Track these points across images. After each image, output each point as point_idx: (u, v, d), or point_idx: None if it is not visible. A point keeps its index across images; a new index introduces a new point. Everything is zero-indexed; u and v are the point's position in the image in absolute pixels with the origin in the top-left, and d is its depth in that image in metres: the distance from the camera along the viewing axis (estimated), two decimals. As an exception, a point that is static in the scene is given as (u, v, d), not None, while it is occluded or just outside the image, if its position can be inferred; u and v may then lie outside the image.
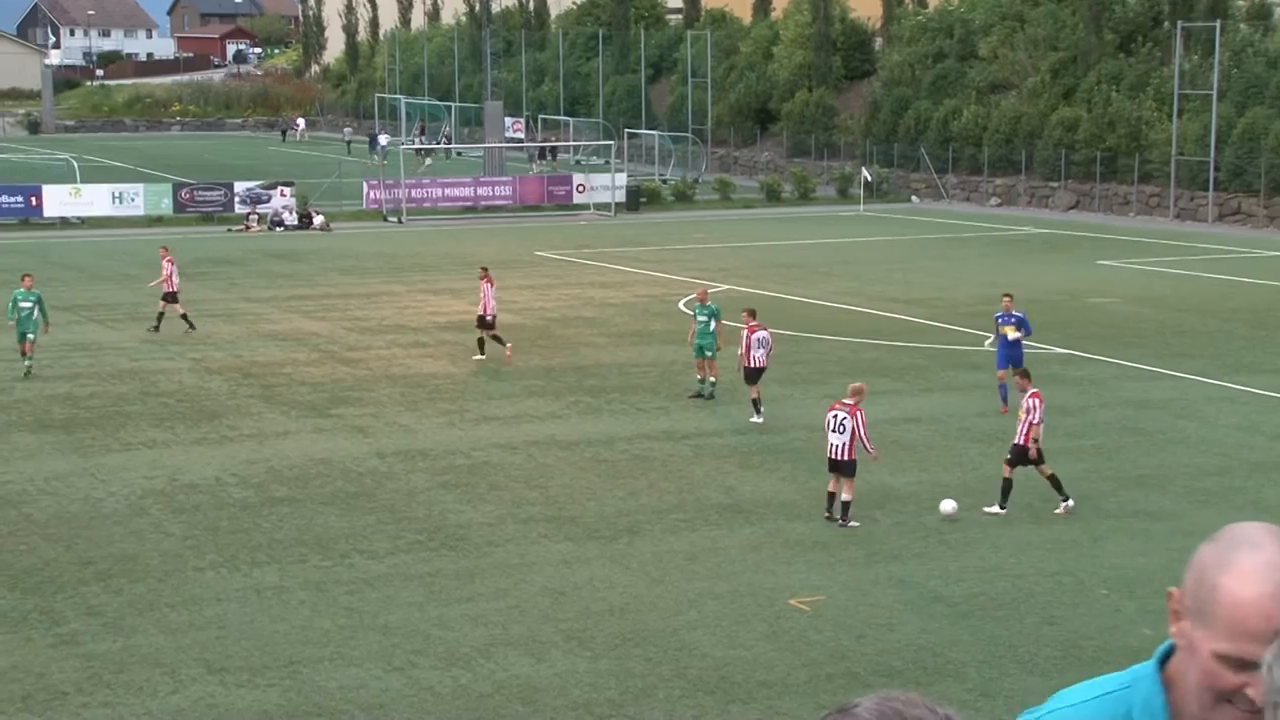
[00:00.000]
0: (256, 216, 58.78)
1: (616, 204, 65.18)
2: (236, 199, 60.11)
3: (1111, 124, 63.07)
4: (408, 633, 16.06)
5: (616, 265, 47.70)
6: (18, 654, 15.50)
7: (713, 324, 27.41)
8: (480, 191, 66.11)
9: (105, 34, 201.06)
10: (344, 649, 15.63)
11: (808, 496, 21.21)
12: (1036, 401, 20.31)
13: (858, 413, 19.76)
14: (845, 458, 19.59)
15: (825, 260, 48.51)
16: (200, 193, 61.13)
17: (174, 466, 22.96)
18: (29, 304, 29.45)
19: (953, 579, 17.73)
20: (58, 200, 58.81)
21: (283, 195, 60.20)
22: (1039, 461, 20.22)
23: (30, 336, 29.26)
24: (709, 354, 27.35)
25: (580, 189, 66.71)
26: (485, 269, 32.48)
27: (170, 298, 34.62)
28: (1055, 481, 20.21)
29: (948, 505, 20.07)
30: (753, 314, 26.83)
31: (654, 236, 56.20)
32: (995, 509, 20.07)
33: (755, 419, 25.71)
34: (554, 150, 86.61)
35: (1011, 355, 25.86)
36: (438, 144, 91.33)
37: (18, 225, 57.77)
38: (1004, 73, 69.63)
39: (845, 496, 19.70)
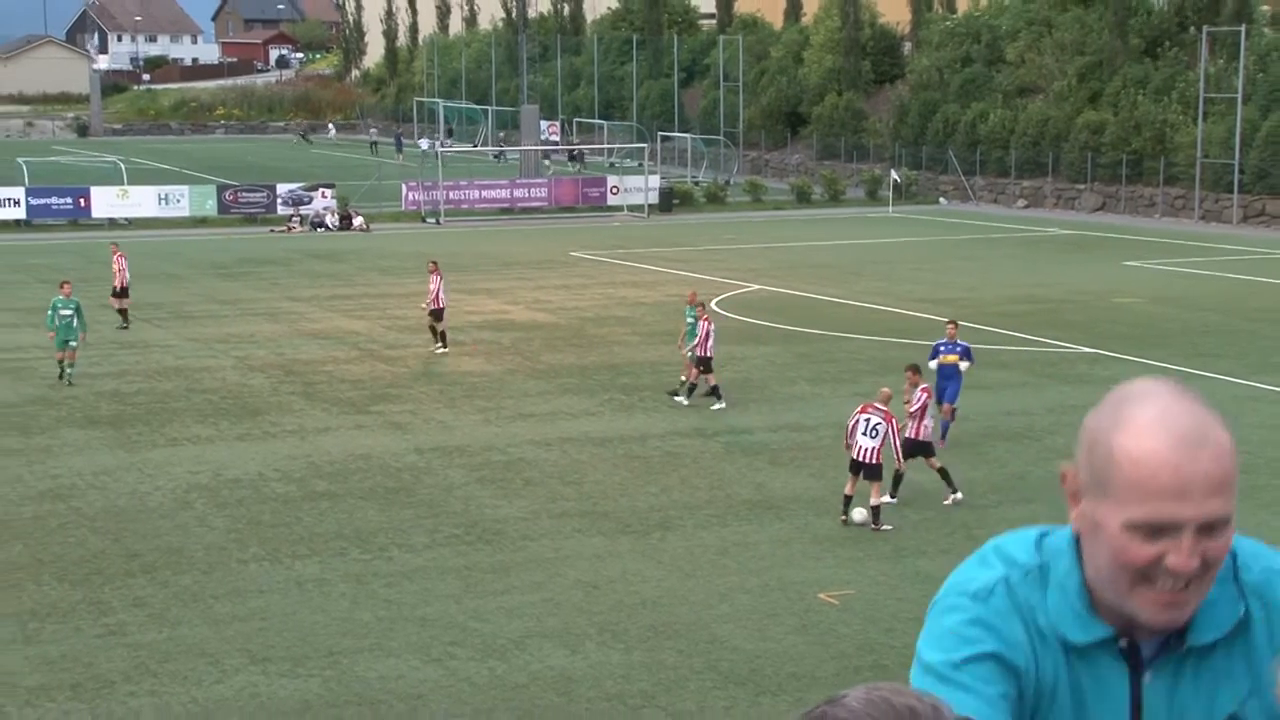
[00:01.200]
0: (298, 218, 59.45)
1: (650, 205, 65.48)
2: (279, 200, 60.82)
3: (1137, 127, 63.19)
4: (445, 624, 16.19)
5: (649, 265, 47.94)
6: (67, 644, 15.69)
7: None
8: (516, 193, 66.61)
9: (152, 39, 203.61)
10: (383, 640, 15.76)
11: (837, 493, 21.21)
12: (925, 395, 20.84)
13: (893, 420, 19.83)
14: (875, 461, 19.65)
15: (855, 261, 48.65)
16: (244, 194, 61.83)
17: (218, 462, 23.21)
18: (69, 311, 28.99)
19: (979, 574, 17.91)
20: (106, 201, 59.63)
21: (324, 197, 60.81)
22: (925, 456, 20.74)
23: (72, 344, 28.92)
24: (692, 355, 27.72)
25: (614, 191, 67.09)
26: (434, 262, 33.40)
27: (122, 293, 35.46)
28: (944, 474, 20.67)
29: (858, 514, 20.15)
30: (702, 305, 27.80)
31: (686, 237, 56.41)
32: (885, 499, 20.41)
33: (718, 406, 26.53)
34: (581, 153, 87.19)
35: (950, 386, 23.83)
36: (475, 147, 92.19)
37: (67, 226, 58.57)
38: (1031, 77, 69.73)
39: (875, 500, 19.74)
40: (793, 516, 20.29)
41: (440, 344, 32.30)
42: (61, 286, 29.93)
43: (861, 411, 19.91)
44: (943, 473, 20.75)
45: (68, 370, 28.95)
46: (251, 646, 15.62)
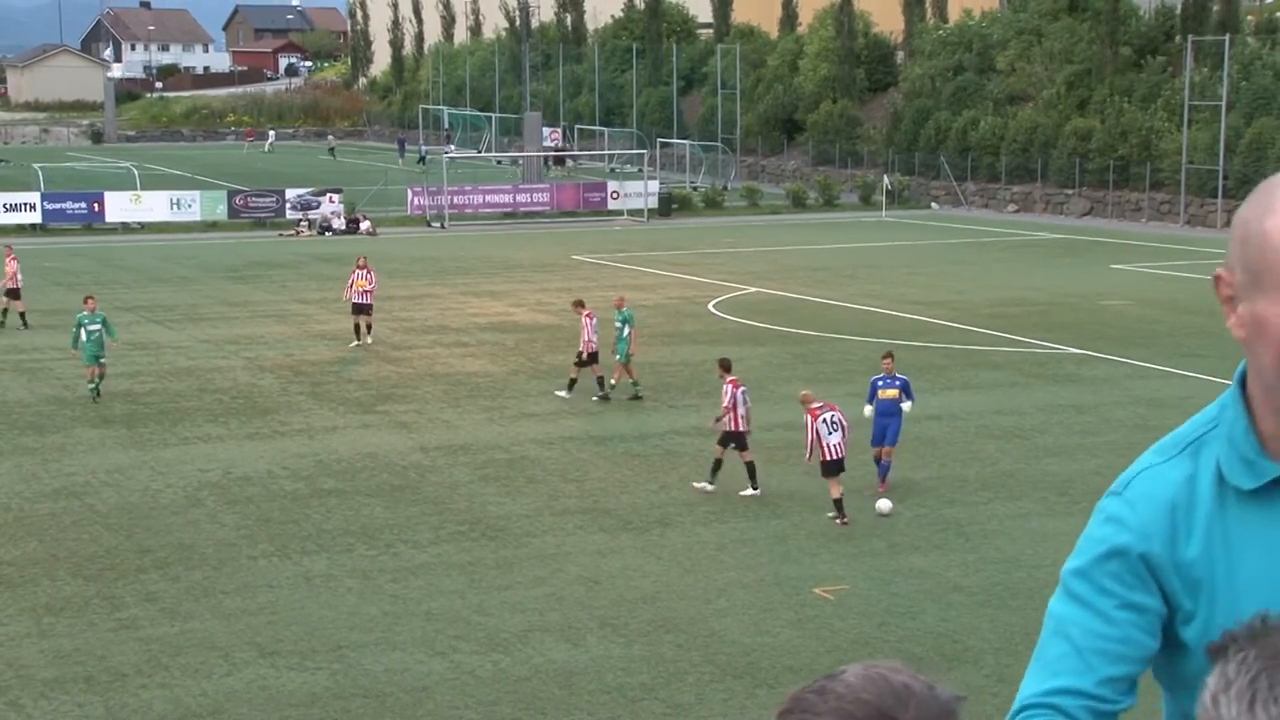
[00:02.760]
0: (306, 222, 59.82)
1: (649, 210, 65.87)
2: (287, 205, 61.19)
3: (1124, 134, 63.84)
4: (450, 619, 16.38)
5: (649, 269, 48.24)
6: (81, 637, 15.90)
7: (626, 330, 28.12)
8: (519, 198, 67.01)
9: (164, 48, 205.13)
10: (389, 634, 15.95)
11: (833, 491, 21.74)
12: (734, 389, 21.34)
13: (836, 408, 20.55)
14: (842, 456, 20.13)
15: (849, 264, 48.95)
16: (253, 199, 62.30)
17: (228, 460, 23.48)
18: (96, 326, 27.76)
19: (971, 569, 18.07)
20: (119, 206, 60.13)
21: (331, 202, 61.18)
22: (738, 448, 21.27)
23: (102, 360, 27.80)
24: (619, 357, 28.20)
25: (615, 196, 67.52)
26: (363, 258, 34.71)
27: (13, 294, 36.10)
28: (751, 469, 21.28)
29: (883, 505, 20.68)
30: (581, 304, 28.66)
31: (685, 241, 56.72)
32: (705, 485, 21.27)
33: (564, 395, 27.76)
34: (563, 159, 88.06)
35: (890, 426, 21.68)
36: (479, 152, 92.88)
37: (81, 230, 58.99)
38: (1021, 85, 70.29)
39: (837, 493, 20.18)
40: (789, 513, 20.53)
41: (357, 338, 33.36)
42: (86, 302, 28.83)
43: (814, 417, 20.12)
44: (750, 466, 21.34)
45: (98, 382, 27.88)
46: (261, 640, 15.82)
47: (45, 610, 16.80)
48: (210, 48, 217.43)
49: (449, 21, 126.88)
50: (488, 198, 66.82)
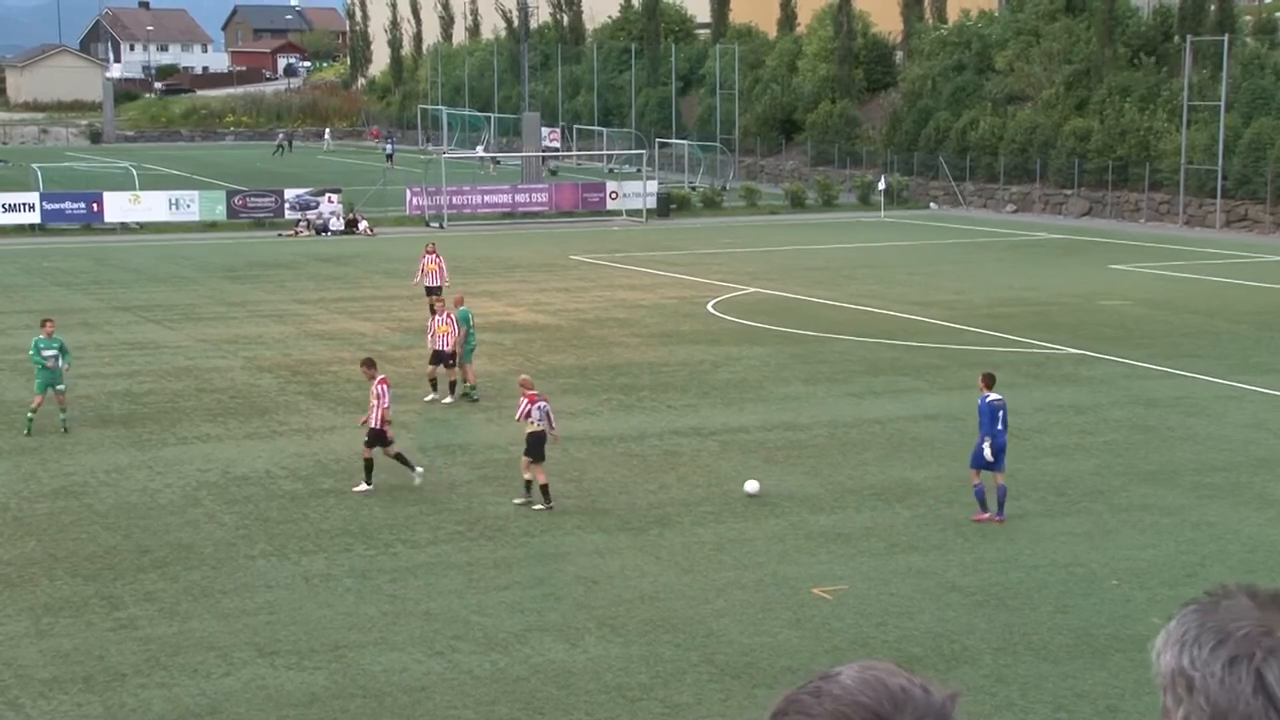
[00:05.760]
0: (305, 222, 59.86)
1: (648, 210, 65.91)
2: (286, 205, 61.25)
3: (1123, 134, 63.98)
4: (448, 619, 16.41)
5: (647, 269, 48.29)
6: (79, 637, 15.94)
7: (466, 330, 28.45)
8: (518, 198, 67.06)
9: (163, 49, 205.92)
10: (387, 634, 15.98)
11: (830, 490, 21.70)
12: (384, 388, 21.68)
13: (546, 398, 21.34)
14: (545, 440, 20.89)
15: (847, 264, 49.01)
16: (252, 199, 62.36)
17: (227, 460, 23.53)
18: (52, 352, 25.41)
19: (969, 569, 18.10)
20: (118, 206, 60.20)
21: (330, 202, 61.22)
22: (388, 442, 21.63)
23: (60, 387, 25.47)
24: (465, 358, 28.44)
25: (613, 196, 67.58)
26: (433, 244, 36.46)
27: None
28: (401, 458, 21.71)
29: (751, 485, 21.18)
30: (434, 309, 28.94)
31: (683, 241, 56.78)
32: (363, 487, 21.49)
33: (443, 397, 27.76)
34: (551, 159, 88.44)
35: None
36: (479, 152, 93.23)
37: (80, 230, 59.09)
38: (1020, 85, 70.41)
39: (543, 479, 20.84)
40: (787, 513, 20.55)
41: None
42: (43, 325, 26.16)
43: (531, 401, 20.95)
44: (399, 457, 21.81)
45: (60, 416, 25.58)
46: (259, 640, 15.85)
47: (44, 610, 16.83)
48: (209, 48, 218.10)
49: (447, 22, 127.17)
50: (486, 198, 66.90)
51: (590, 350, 33.31)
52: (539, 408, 20.87)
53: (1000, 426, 19.83)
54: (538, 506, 20.78)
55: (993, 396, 20.00)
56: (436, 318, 28.30)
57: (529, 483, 21.04)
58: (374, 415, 21.70)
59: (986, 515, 20.01)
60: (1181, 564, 18.37)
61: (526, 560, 18.59)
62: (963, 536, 19.55)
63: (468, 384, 28.20)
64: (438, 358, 28.05)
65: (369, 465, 21.73)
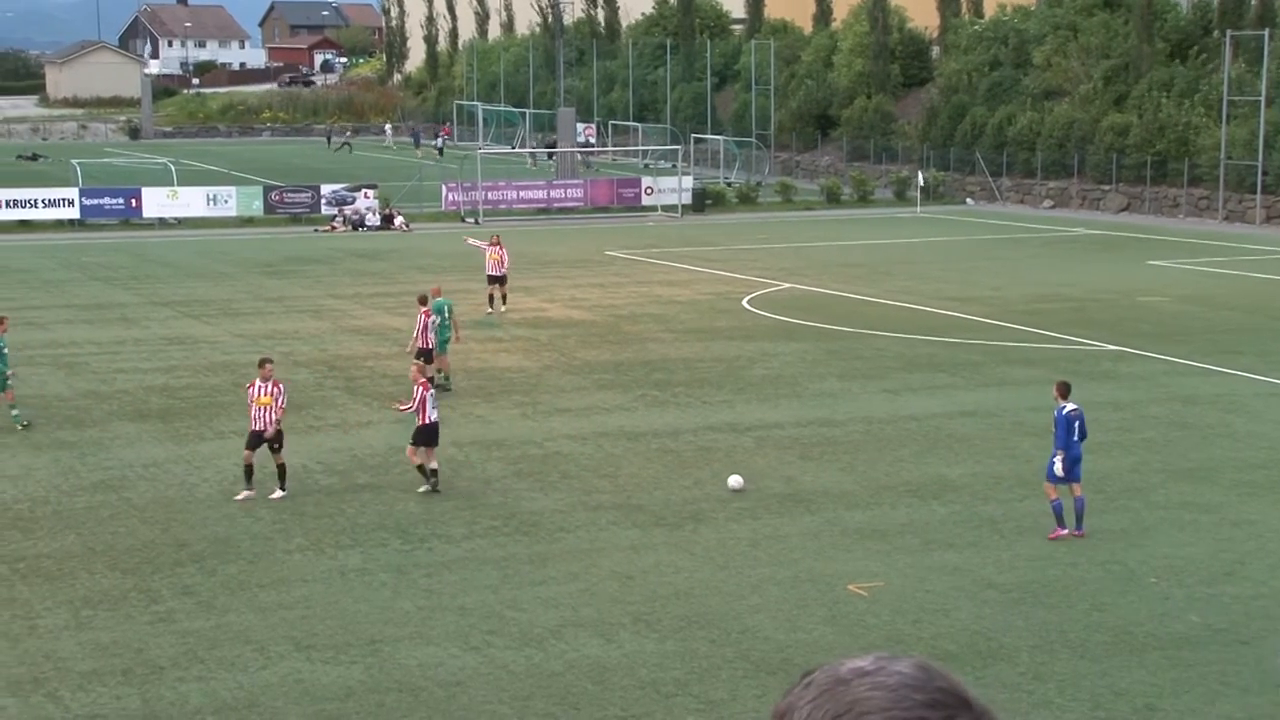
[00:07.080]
0: (342, 217, 60.10)
1: (683, 206, 65.87)
2: (323, 201, 61.53)
3: (1162, 129, 63.51)
4: (483, 614, 16.46)
5: (683, 264, 48.27)
6: (118, 630, 16.06)
7: (439, 320, 28.49)
8: (553, 194, 67.16)
9: (201, 45, 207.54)
10: (423, 628, 16.05)
11: (866, 487, 21.65)
12: (278, 389, 21.48)
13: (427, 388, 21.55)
14: (436, 424, 21.40)
15: (884, 260, 48.85)
16: (289, 195, 62.62)
17: (263, 454, 23.33)
18: None
19: (1005, 566, 18.04)
20: (156, 202, 60.59)
21: (366, 197, 61.44)
22: (277, 448, 21.24)
23: (10, 384, 25.38)
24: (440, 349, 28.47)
25: (649, 191, 67.57)
26: (496, 236, 36.54)
27: None
28: (281, 470, 21.27)
29: (734, 480, 21.22)
30: (424, 300, 28.66)
31: (719, 237, 56.71)
32: (246, 493, 21.11)
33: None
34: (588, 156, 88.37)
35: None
36: (513, 149, 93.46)
37: (119, 225, 59.47)
38: (1057, 80, 69.98)
39: (434, 463, 21.35)
40: (822, 509, 20.54)
41: None
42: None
43: (425, 388, 21.28)
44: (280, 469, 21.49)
45: (13, 412, 25.13)
46: (296, 634, 15.94)
47: (83, 603, 16.97)
48: (246, 44, 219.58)
49: (483, 18, 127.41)
50: (521, 194, 66.99)
51: (625, 346, 33.31)
52: (432, 394, 21.53)
53: (1077, 438, 19.17)
54: (423, 489, 21.24)
55: (1070, 407, 19.28)
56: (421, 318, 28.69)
57: (422, 467, 21.43)
58: (266, 417, 21.22)
59: (1065, 531, 19.15)
60: (1220, 562, 18.27)
61: (561, 555, 18.62)
62: (999, 534, 19.49)
63: (441, 373, 28.08)
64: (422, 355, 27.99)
65: (249, 470, 21.23)
